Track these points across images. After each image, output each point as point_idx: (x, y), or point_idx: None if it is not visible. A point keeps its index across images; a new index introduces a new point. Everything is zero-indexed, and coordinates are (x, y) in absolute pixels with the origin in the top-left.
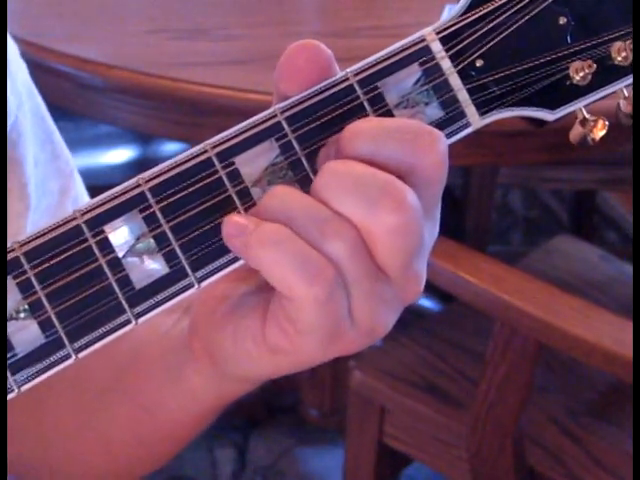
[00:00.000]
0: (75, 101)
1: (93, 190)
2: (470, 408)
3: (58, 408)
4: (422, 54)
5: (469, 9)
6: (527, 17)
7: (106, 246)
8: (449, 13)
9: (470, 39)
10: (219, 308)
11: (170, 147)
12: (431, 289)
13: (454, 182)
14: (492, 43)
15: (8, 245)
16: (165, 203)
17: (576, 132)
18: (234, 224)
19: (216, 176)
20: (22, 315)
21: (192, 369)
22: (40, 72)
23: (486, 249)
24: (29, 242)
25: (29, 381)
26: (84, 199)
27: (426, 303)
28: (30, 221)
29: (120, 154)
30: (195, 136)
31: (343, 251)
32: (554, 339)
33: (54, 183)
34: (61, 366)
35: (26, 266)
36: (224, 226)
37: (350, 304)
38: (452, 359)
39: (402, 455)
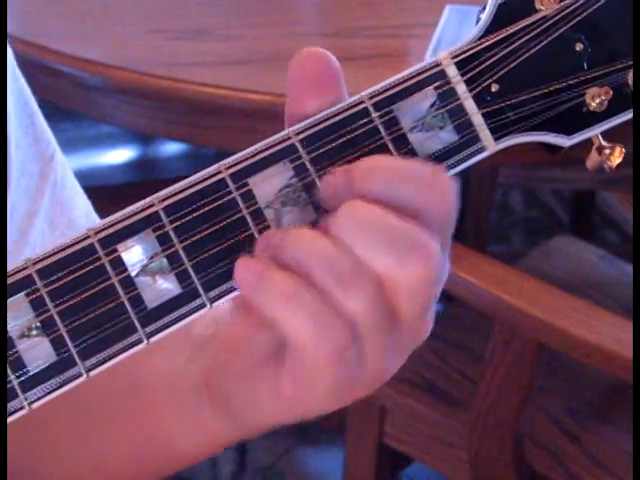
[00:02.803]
0: (75, 101)
1: (93, 190)
2: (470, 408)
3: (54, 423)
4: (437, 78)
5: (485, 34)
6: (543, 43)
7: (119, 265)
8: (449, 14)
9: (486, 64)
10: (234, 361)
11: (170, 147)
12: None
13: None
14: (508, 68)
15: (22, 263)
16: (179, 223)
17: (593, 159)
18: (248, 269)
19: (230, 197)
20: (34, 332)
21: (209, 414)
22: (40, 72)
23: (486, 249)
24: (42, 260)
25: (40, 399)
26: (65, 184)
27: None
28: (9, 201)
29: (120, 154)
30: (195, 136)
31: (361, 306)
32: (554, 339)
33: (34, 166)
34: (72, 384)
35: (39, 284)
36: (237, 269)
37: (363, 354)
38: (452, 359)
39: (402, 455)
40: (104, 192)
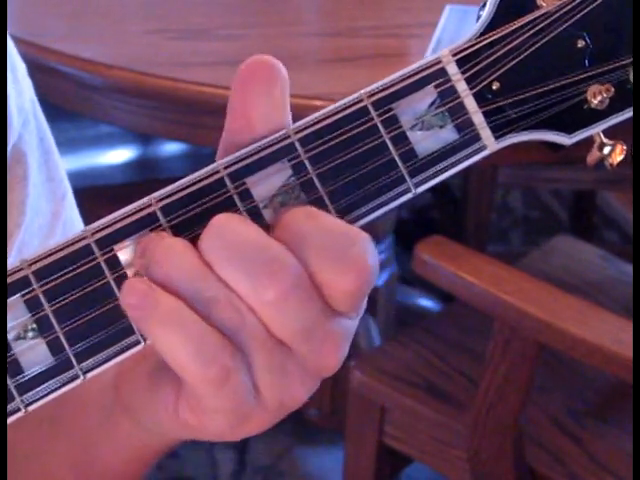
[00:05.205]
0: (75, 101)
1: (93, 190)
2: (470, 408)
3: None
4: (438, 76)
5: (486, 31)
6: (545, 40)
7: (115, 265)
8: (449, 14)
9: (487, 61)
10: (138, 369)
11: (170, 147)
12: (431, 289)
13: (454, 182)
14: (509, 66)
15: (17, 264)
16: (176, 222)
17: (594, 157)
18: (135, 292)
19: (227, 196)
20: (30, 334)
21: (119, 412)
22: (40, 72)
23: (486, 249)
24: (38, 261)
25: (37, 401)
26: (74, 223)
27: (426, 303)
28: (20, 239)
29: (120, 154)
30: (195, 136)
31: (232, 330)
32: (554, 339)
33: (47, 205)
34: (69, 386)
35: (35, 285)
36: (123, 292)
37: (253, 379)
38: (452, 359)
39: (402, 455)
40: (104, 192)
